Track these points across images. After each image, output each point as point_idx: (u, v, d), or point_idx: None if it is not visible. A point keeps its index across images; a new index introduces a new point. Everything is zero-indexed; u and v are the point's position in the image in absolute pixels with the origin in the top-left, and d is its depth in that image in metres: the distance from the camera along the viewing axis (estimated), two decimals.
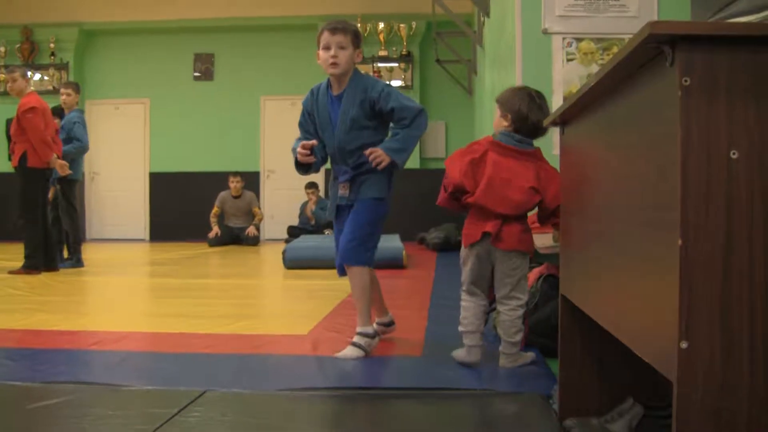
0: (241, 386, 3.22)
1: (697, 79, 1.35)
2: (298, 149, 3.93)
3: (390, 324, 4.30)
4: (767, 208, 1.34)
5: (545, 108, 3.58)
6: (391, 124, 3.97)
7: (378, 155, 3.80)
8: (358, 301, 3.96)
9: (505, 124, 3.58)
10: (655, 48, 1.40)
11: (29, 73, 8.67)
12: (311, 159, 3.94)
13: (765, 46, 1.33)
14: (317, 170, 4.09)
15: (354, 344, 3.85)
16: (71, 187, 8.84)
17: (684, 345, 1.34)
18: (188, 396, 3.02)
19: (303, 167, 4.03)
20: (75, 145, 8.77)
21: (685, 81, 1.34)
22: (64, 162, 8.24)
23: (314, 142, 3.93)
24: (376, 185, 3.93)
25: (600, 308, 2.06)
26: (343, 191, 3.96)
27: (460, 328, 3.61)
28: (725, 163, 1.34)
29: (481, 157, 3.52)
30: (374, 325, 4.08)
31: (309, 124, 4.06)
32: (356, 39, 3.93)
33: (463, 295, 3.65)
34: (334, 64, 3.84)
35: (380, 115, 3.91)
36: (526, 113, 3.55)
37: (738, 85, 1.34)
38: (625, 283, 1.74)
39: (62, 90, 9.15)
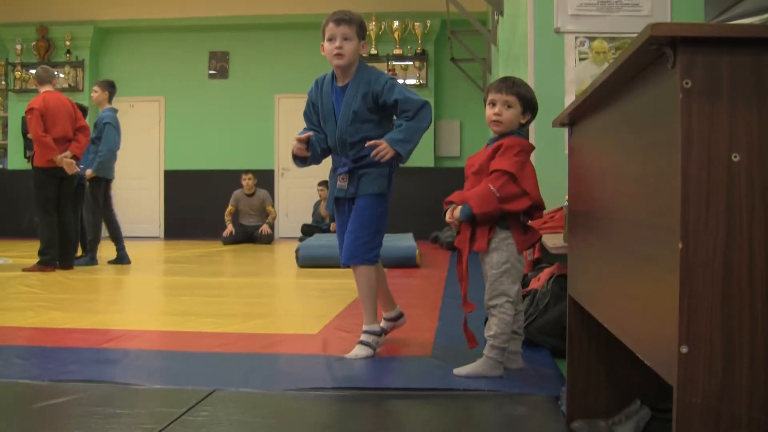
0: (249, 386, 3.22)
1: (698, 82, 1.33)
2: (293, 142, 3.91)
3: (398, 317, 4.26)
4: None
5: None
6: (395, 118, 3.89)
7: (382, 147, 3.70)
8: (365, 299, 3.93)
9: (523, 121, 3.48)
10: (657, 50, 1.39)
11: (39, 71, 8.75)
12: (305, 153, 3.91)
13: (766, 47, 1.32)
14: (317, 162, 4.05)
15: (362, 343, 3.84)
16: (98, 185, 8.87)
17: (684, 350, 1.33)
18: (196, 395, 3.03)
19: (300, 159, 3.99)
20: (101, 151, 8.80)
21: (686, 83, 1.33)
22: (70, 161, 8.23)
23: (310, 134, 3.90)
24: (376, 181, 3.87)
25: (605, 310, 2.04)
26: (341, 183, 3.90)
27: (501, 344, 3.33)
28: (726, 166, 1.33)
29: None
30: (382, 321, 4.11)
31: (313, 114, 4.01)
32: (361, 30, 3.88)
33: (510, 308, 3.37)
34: (338, 56, 3.79)
35: (383, 109, 3.84)
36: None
37: (739, 88, 1.33)
38: (627, 286, 1.73)
39: (94, 87, 9.25)
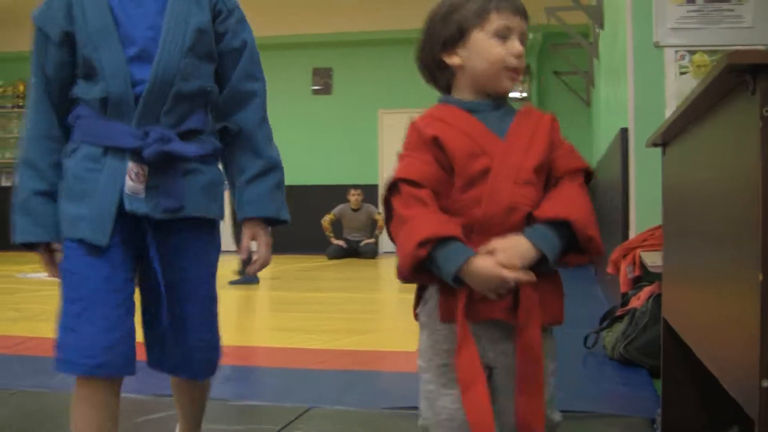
0: (346, 404, 3.25)
1: None
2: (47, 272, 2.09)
3: None
4: None
5: None
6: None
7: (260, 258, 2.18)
8: (201, 413, 2.46)
9: None
10: (737, 77, 1.37)
11: None
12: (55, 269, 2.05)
13: None
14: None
15: None
16: None
17: (765, 384, 1.30)
18: (293, 412, 3.08)
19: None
20: None
21: (766, 111, 1.31)
22: None
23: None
24: (215, 190, 2.08)
25: (693, 333, 2.02)
26: (137, 183, 1.94)
27: None
28: None
29: None
30: None
31: (48, 60, 2.00)
32: None
33: None
34: None
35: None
36: None
37: None
38: (714, 312, 1.71)
39: None
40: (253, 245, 2.17)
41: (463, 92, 1.81)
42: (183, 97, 1.96)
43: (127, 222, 1.93)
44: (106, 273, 1.92)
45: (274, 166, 2.16)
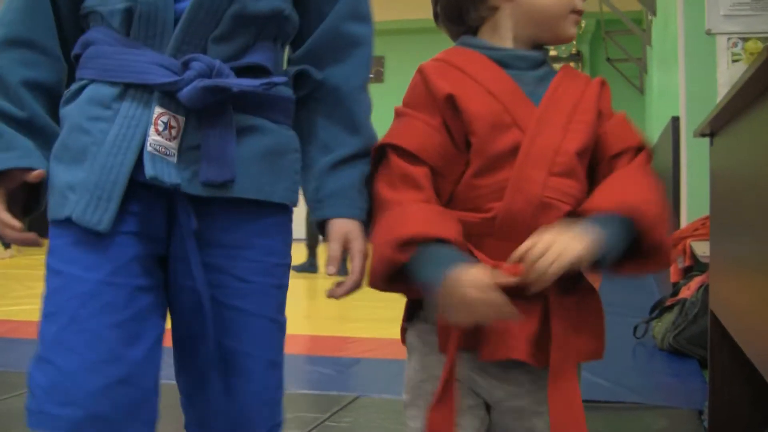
0: (394, 393, 3.25)
1: None
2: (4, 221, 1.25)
3: None
4: None
5: None
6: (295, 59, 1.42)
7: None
8: None
9: None
10: None
11: None
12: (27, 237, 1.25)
13: None
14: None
15: None
16: None
17: None
18: (339, 402, 3.09)
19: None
20: None
21: None
22: None
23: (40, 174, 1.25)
24: (286, 158, 1.35)
25: (738, 326, 2.00)
26: (166, 138, 1.20)
27: None
28: None
29: None
30: None
31: None
32: None
33: None
34: None
35: None
36: None
37: None
38: (758, 306, 1.69)
39: None
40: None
41: (499, 36, 1.35)
42: (246, 20, 1.25)
43: (150, 200, 1.24)
44: (104, 275, 1.20)
45: (370, 151, 1.43)
